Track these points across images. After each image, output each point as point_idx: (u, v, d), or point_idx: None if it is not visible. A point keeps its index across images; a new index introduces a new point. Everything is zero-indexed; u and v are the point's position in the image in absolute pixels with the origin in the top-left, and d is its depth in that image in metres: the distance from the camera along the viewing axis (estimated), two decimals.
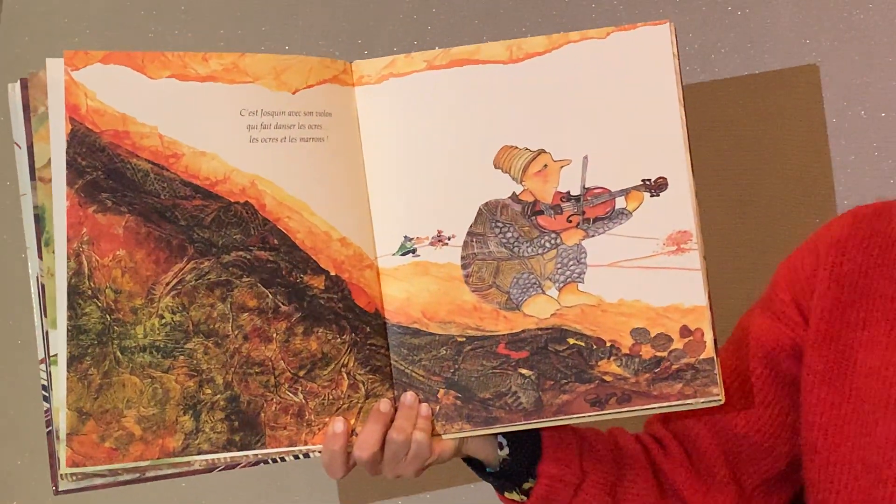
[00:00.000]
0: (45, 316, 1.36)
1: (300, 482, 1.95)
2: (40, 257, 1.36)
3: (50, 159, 1.36)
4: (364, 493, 1.94)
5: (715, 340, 1.45)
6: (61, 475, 1.36)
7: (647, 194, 1.46)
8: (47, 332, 1.36)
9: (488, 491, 1.53)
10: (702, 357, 1.45)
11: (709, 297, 1.45)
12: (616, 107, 1.46)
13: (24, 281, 1.86)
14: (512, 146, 1.46)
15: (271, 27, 1.93)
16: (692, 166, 1.46)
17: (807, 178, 1.87)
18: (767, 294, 1.57)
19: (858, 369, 1.48)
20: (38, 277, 1.37)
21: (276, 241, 1.41)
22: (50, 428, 1.36)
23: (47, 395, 1.36)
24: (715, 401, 1.45)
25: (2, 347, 1.96)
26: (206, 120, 1.39)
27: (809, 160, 1.87)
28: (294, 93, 1.42)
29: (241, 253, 1.40)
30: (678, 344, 1.45)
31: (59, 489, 1.36)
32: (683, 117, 1.46)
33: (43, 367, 1.36)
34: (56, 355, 1.36)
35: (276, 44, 1.92)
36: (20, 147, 1.37)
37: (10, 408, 1.96)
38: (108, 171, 1.36)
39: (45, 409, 1.36)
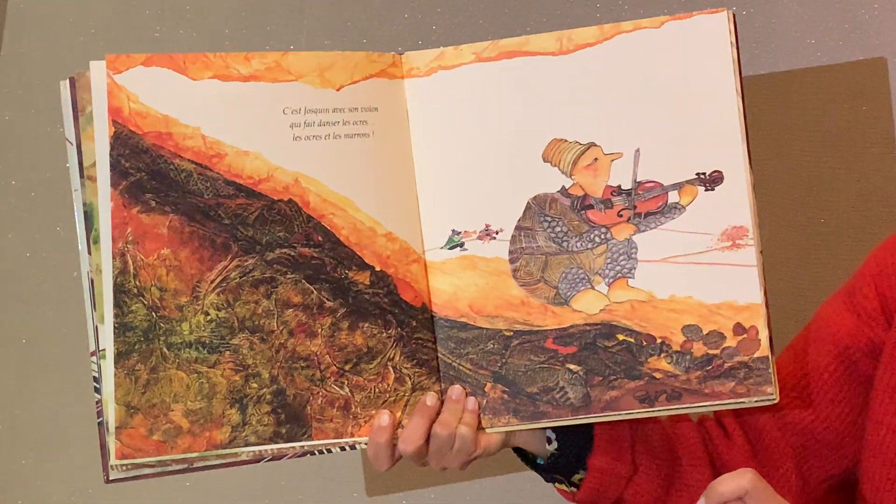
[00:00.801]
0: (95, 310, 1.40)
1: (315, 476, 1.98)
2: (90, 253, 1.40)
3: (96, 160, 1.38)
4: (387, 485, 1.96)
5: (770, 339, 1.41)
6: (111, 466, 1.40)
7: (701, 188, 1.42)
8: (97, 327, 1.40)
9: (531, 482, 1.53)
10: (756, 355, 1.41)
11: (765, 294, 1.41)
12: (670, 98, 1.42)
13: (28, 280, 1.91)
14: (561, 139, 1.43)
15: (276, 26, 1.92)
16: (750, 160, 1.42)
17: (813, 178, 1.81)
18: (851, 286, 1.51)
19: None
20: (88, 273, 1.40)
21: (320, 238, 1.42)
22: (101, 419, 1.40)
23: (98, 386, 1.40)
24: (769, 400, 1.42)
25: (6, 347, 2.00)
26: (248, 119, 1.40)
27: (815, 160, 1.80)
28: (338, 89, 1.42)
29: (285, 250, 1.41)
30: (731, 342, 1.42)
31: (110, 478, 1.41)
32: (742, 109, 1.42)
33: (94, 359, 1.40)
34: (105, 349, 1.39)
35: (281, 43, 1.91)
36: (71, 144, 1.40)
37: (14, 408, 2.00)
38: (152, 172, 1.38)
39: (96, 400, 1.41)
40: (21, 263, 1.98)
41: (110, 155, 1.38)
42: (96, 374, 1.41)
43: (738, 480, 1.30)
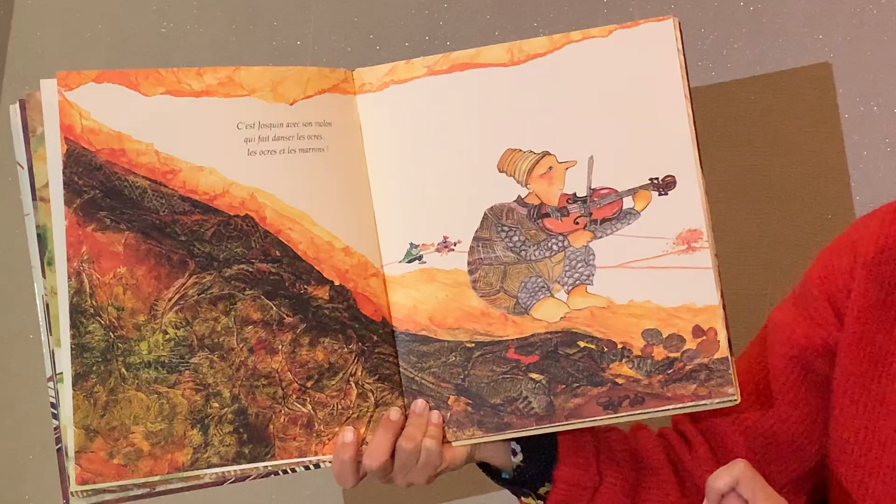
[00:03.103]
0: (51, 334, 1.37)
1: (307, 489, 1.95)
2: (44, 276, 1.38)
3: (49, 180, 1.37)
4: (370, 500, 1.94)
5: (729, 340, 1.42)
6: (72, 492, 1.37)
7: (654, 193, 1.43)
8: (53, 351, 1.37)
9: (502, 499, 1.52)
10: (716, 357, 1.42)
11: (721, 296, 1.42)
12: (621, 105, 1.44)
13: (31, 276, 1.88)
14: (516, 149, 1.44)
15: (283, 22, 1.93)
16: (702, 163, 1.43)
17: (820, 175, 1.83)
18: (800, 290, 1.53)
19: (894, 373, 1.44)
20: (42, 296, 1.38)
21: (277, 253, 1.41)
22: (60, 445, 1.37)
23: (56, 412, 1.38)
24: (730, 401, 1.42)
25: (12, 343, 1.98)
26: (202, 135, 1.39)
27: (822, 156, 1.83)
28: (292, 104, 1.42)
29: (242, 266, 1.40)
30: (691, 344, 1.42)
31: None
32: (691, 114, 1.43)
33: (51, 384, 1.38)
34: (62, 373, 1.37)
35: (288, 39, 1.92)
36: (22, 167, 1.38)
37: (21, 402, 1.97)
38: (106, 190, 1.37)
39: (54, 426, 1.38)
40: (26, 258, 1.95)
41: (63, 173, 1.36)
42: (53, 400, 1.38)
43: (730, 471, 1.30)
